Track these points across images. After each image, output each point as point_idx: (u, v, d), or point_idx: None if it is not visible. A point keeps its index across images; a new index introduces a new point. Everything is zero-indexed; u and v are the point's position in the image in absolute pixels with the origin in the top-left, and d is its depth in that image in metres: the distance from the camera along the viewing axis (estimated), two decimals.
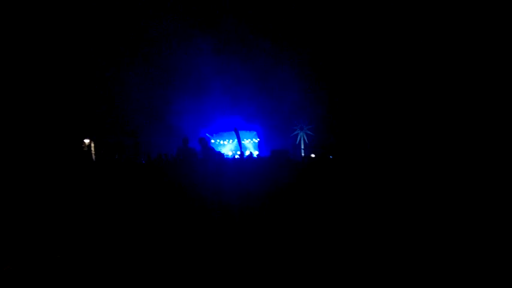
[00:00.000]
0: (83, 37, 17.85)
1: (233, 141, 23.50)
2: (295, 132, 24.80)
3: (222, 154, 12.59)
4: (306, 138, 24.67)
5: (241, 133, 19.11)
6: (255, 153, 17.52)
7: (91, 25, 17.92)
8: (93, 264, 3.38)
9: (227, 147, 23.69)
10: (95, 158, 18.43)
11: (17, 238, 4.03)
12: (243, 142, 21.18)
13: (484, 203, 4.72)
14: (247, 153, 20.16)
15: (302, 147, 24.60)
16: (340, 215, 5.00)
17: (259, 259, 3.41)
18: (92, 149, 19.52)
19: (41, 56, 16.24)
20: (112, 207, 5.20)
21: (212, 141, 23.76)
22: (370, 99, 20.14)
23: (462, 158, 7.55)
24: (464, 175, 5.95)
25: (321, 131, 23.87)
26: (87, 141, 19.34)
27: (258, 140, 24.13)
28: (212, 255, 3.54)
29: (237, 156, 13.84)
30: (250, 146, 23.63)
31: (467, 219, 4.30)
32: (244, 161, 9.80)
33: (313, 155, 19.24)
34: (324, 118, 22.98)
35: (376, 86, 19.64)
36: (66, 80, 17.55)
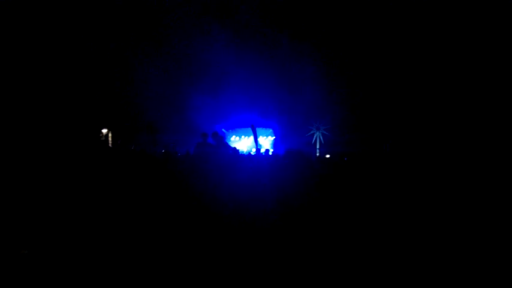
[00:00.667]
0: (103, 29, 18.06)
1: (249, 137, 23.45)
2: (311, 132, 24.60)
3: (237, 150, 12.55)
4: (321, 139, 24.46)
5: (258, 130, 19.05)
6: (270, 150, 17.44)
7: (112, 17, 18.11)
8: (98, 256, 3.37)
9: (243, 143, 23.68)
10: (112, 147, 18.65)
11: (32, 224, 4.06)
12: (258, 139, 21.15)
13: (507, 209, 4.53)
14: (262, 150, 20.09)
15: (317, 147, 24.41)
16: (353, 218, 4.89)
17: (271, 259, 3.36)
18: (109, 139, 19.76)
19: (63, 47, 16.50)
20: (123, 198, 5.20)
21: (232, 137, 23.83)
22: (389, 101, 19.80)
23: (482, 163, 7.30)
24: (485, 181, 5.74)
25: (337, 132, 23.64)
26: (104, 131, 19.59)
27: (274, 137, 24.04)
28: (222, 254, 3.49)
29: (252, 153, 13.79)
30: (266, 143, 23.58)
31: (486, 224, 4.14)
32: (260, 158, 9.72)
33: (328, 156, 19.04)
34: (342, 119, 22.75)
35: (396, 88, 19.29)
36: (87, 71, 17.80)
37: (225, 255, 3.45)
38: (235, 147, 11.84)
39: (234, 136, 24.07)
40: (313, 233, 4.19)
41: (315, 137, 24.55)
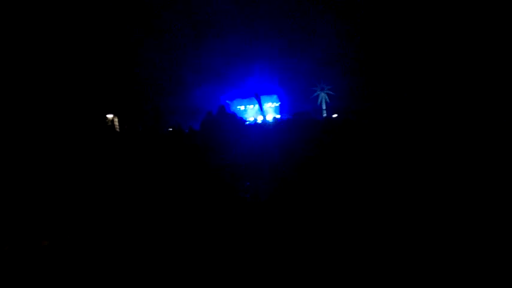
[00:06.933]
0: (106, 16, 17.76)
1: (254, 106, 23.29)
2: (316, 94, 24.31)
3: (244, 119, 12.51)
4: (327, 99, 24.19)
5: (262, 97, 18.88)
6: (277, 116, 17.37)
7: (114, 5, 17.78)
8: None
9: (249, 112, 23.55)
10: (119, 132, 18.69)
11: (25, 217, 3.99)
12: (263, 106, 21.01)
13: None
14: (269, 117, 19.97)
15: (324, 107, 24.19)
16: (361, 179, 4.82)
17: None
18: (116, 123, 19.80)
19: (69, 34, 16.32)
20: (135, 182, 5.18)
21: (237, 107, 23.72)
22: (393, 58, 19.36)
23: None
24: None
25: (343, 90, 23.28)
26: (110, 116, 19.62)
27: (279, 103, 23.84)
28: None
29: (259, 121, 13.75)
30: (271, 110, 23.42)
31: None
32: (267, 125, 9.69)
33: (335, 115, 18.88)
34: (346, 77, 22.37)
35: (400, 46, 18.80)
36: (88, 58, 17.65)
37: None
38: (242, 117, 11.80)
39: (239, 106, 23.92)
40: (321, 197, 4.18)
41: (320, 98, 24.27)
